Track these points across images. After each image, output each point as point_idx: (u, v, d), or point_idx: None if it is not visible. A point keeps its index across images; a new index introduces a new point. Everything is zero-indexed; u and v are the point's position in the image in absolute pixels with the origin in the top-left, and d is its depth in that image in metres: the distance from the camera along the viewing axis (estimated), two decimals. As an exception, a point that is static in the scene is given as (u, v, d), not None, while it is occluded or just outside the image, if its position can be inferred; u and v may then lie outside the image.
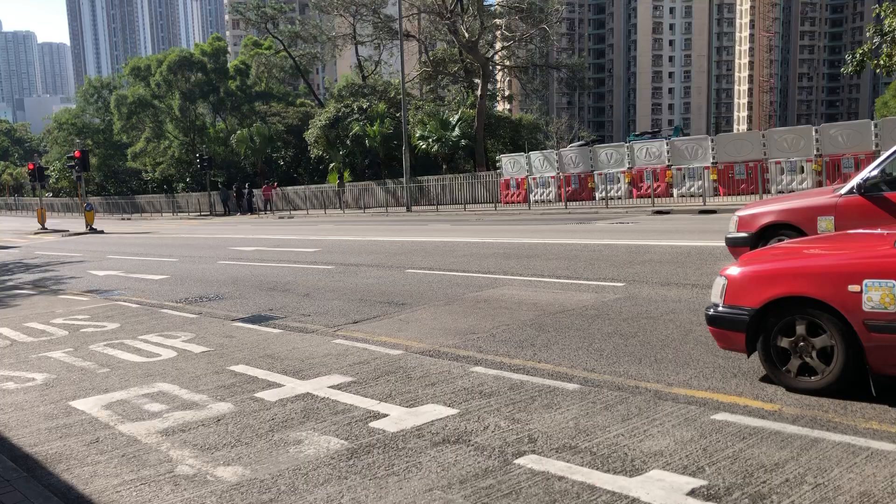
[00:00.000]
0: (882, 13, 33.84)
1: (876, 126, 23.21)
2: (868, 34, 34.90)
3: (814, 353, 4.88)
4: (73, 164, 38.96)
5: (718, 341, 5.46)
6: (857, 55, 34.20)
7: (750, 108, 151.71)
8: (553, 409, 4.99)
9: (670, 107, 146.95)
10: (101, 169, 70.87)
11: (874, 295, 4.54)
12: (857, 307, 4.60)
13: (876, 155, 22.44)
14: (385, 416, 5.12)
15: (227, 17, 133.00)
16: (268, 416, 5.34)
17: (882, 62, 33.57)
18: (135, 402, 5.95)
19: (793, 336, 4.95)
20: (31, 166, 44.70)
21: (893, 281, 4.50)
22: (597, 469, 3.96)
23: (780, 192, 23.53)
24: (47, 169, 56.44)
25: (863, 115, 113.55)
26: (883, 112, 73.21)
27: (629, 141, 34.56)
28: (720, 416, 4.60)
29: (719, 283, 5.40)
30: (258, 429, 5.07)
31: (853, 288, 4.62)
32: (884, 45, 33.38)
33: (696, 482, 3.72)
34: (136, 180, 70.76)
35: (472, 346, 6.97)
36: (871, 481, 3.59)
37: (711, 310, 5.41)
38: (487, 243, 16.27)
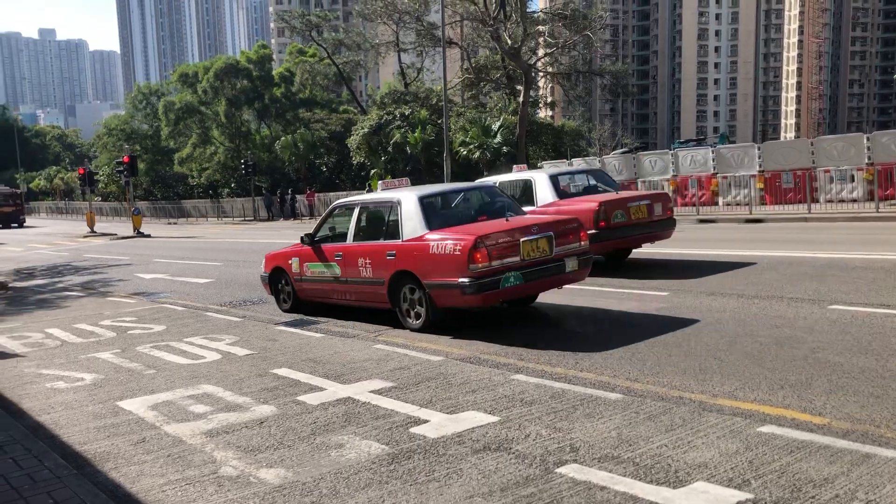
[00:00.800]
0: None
1: (930, 134, 22.55)
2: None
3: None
4: (121, 169, 39.81)
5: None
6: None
7: (798, 115, 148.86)
8: (595, 418, 4.95)
9: (715, 114, 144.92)
10: (149, 174, 72.32)
11: (293, 264, 10.17)
12: (290, 271, 10.22)
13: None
14: (426, 421, 5.12)
15: (272, 25, 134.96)
16: (310, 419, 5.39)
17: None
18: (180, 404, 6.05)
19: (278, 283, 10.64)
20: (81, 171, 45.86)
21: (296, 258, 10.08)
22: (640, 480, 3.91)
23: (829, 202, 23.04)
24: (97, 174, 57.71)
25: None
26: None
27: (674, 148, 34.16)
28: (767, 429, 4.51)
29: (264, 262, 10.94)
30: (300, 432, 5.12)
31: (291, 261, 10.21)
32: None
33: (741, 495, 3.65)
34: (182, 185, 72.05)
35: (512, 354, 6.94)
36: (926, 499, 3.49)
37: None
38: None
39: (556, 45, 43.66)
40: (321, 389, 6.16)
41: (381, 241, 8.74)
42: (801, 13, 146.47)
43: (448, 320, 8.27)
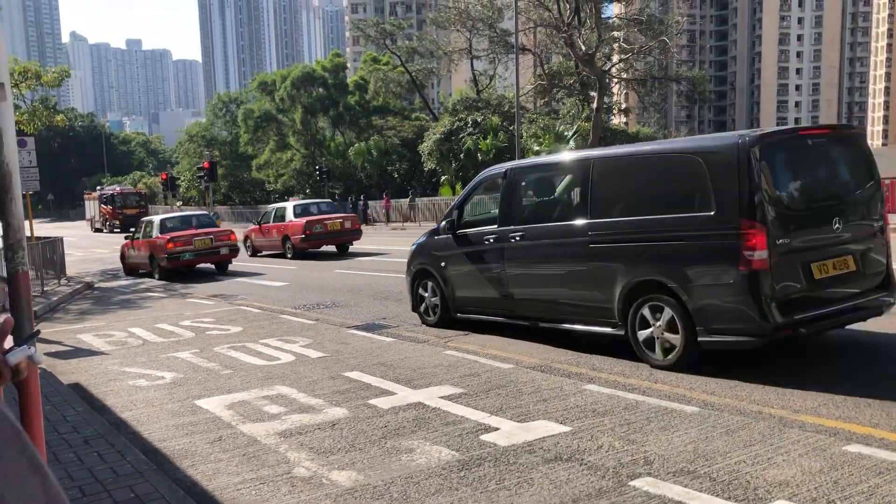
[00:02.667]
0: None
1: None
2: None
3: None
4: (202, 174, 41.06)
5: None
6: None
7: (886, 121, 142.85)
8: (670, 431, 4.83)
9: (796, 120, 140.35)
10: (228, 179, 74.35)
11: None
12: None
13: None
14: (496, 429, 5.09)
15: (347, 33, 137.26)
16: (381, 423, 5.43)
17: None
18: (255, 404, 6.18)
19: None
20: (164, 176, 47.54)
21: None
22: (717, 496, 3.80)
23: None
24: (178, 179, 59.76)
25: None
26: None
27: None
28: (853, 448, 4.32)
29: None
30: (371, 435, 5.16)
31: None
32: None
33: (826, 517, 3.50)
34: (259, 191, 73.82)
35: (584, 364, 6.85)
36: None
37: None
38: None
39: (631, 51, 43.06)
40: (392, 394, 6.20)
41: None
42: (891, 16, 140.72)
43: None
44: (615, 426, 5.00)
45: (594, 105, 41.15)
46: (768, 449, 4.40)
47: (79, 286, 17.20)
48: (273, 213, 23.20)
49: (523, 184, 8.64)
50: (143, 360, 8.50)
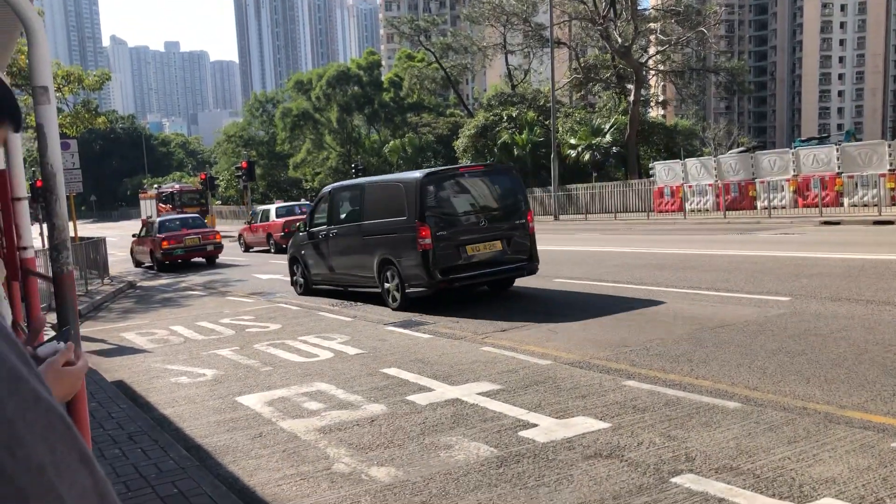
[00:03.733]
0: None
1: None
2: None
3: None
4: (240, 174, 41.56)
5: None
6: None
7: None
8: (712, 427, 4.76)
9: (839, 110, 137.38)
10: (265, 178, 75.17)
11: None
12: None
13: None
14: (534, 425, 5.07)
15: (381, 31, 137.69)
16: (419, 419, 5.44)
17: None
18: (295, 400, 6.23)
19: None
20: (202, 176, 48.17)
21: None
22: (761, 493, 3.73)
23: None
24: (217, 178, 60.54)
25: None
26: None
27: (795, 147, 32.61)
28: (902, 445, 4.21)
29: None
30: (410, 431, 5.17)
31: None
32: None
33: (875, 515, 3.42)
34: (296, 189, 74.49)
35: (623, 360, 6.78)
36: None
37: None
38: (639, 253, 15.83)
39: (668, 43, 42.52)
40: (429, 390, 6.21)
41: None
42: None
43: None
44: (655, 422, 4.95)
45: (631, 98, 40.76)
46: (814, 445, 4.31)
47: (121, 285, 17.54)
48: (260, 214, 27.41)
49: (338, 198, 12.93)
50: (185, 357, 8.63)
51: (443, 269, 10.30)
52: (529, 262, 11.12)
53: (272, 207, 27.20)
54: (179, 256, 22.62)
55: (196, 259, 23.19)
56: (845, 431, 4.50)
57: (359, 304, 11.89)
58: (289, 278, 14.15)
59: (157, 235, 22.55)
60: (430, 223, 10.24)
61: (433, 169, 11.03)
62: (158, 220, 24.34)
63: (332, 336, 9.10)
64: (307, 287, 13.46)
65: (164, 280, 19.63)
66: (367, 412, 5.72)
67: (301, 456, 4.86)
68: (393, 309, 10.79)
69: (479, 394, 5.97)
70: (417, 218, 10.26)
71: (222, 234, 25.75)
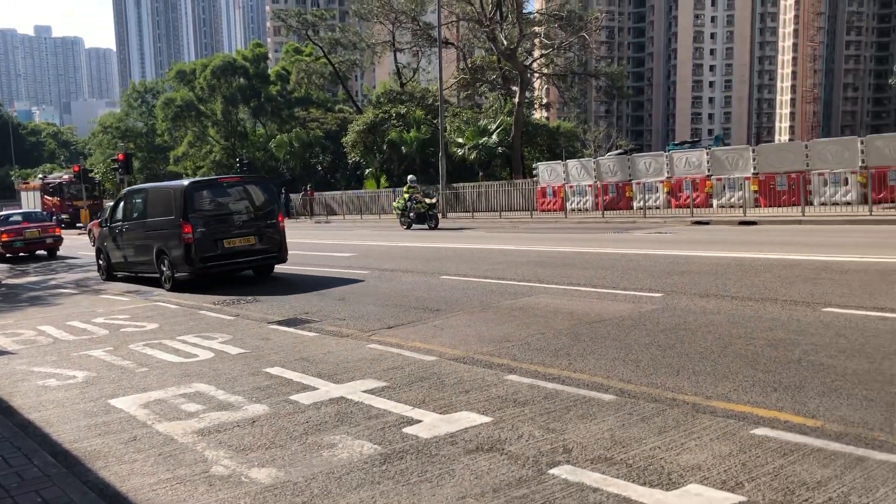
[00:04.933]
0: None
1: (924, 138, 22.66)
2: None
3: None
4: (116, 166, 39.67)
5: None
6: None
7: (792, 118, 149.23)
8: (588, 419, 4.94)
9: (710, 116, 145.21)
10: (144, 172, 72.13)
11: None
12: None
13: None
14: (418, 422, 5.10)
15: (268, 23, 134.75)
16: (302, 418, 5.37)
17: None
18: (172, 402, 6.02)
19: None
20: (76, 168, 45.70)
21: None
22: (633, 482, 3.90)
23: (822, 205, 23.11)
24: (91, 171, 57.44)
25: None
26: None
27: (668, 150, 34.21)
28: (760, 431, 4.50)
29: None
30: (292, 431, 5.09)
31: None
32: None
33: (735, 498, 3.64)
34: (177, 183, 71.85)
35: (506, 354, 6.93)
36: (919, 502, 3.48)
37: None
38: (523, 251, 16.20)
39: (551, 47, 43.68)
40: (314, 389, 6.14)
41: None
42: (796, 16, 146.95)
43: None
44: (535, 415, 5.08)
45: (516, 100, 41.59)
46: (682, 435, 4.54)
47: (-17, 283, 16.39)
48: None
49: (131, 199, 15.25)
50: (54, 358, 8.17)
51: (202, 258, 12.95)
52: (280, 253, 14.00)
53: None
54: (20, 249, 24.53)
55: (39, 252, 25.36)
56: (710, 420, 4.77)
57: (241, 302, 11.61)
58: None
59: None
60: (192, 222, 12.85)
61: (197, 179, 14.63)
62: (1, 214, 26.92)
63: (212, 335, 8.84)
64: (109, 273, 16.12)
65: (32, 277, 18.51)
66: (248, 413, 5.60)
67: (178, 459, 4.70)
68: (166, 290, 13.48)
69: (364, 391, 5.95)
70: (182, 217, 12.88)
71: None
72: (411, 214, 27.46)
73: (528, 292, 10.41)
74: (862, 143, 23.55)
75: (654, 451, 4.29)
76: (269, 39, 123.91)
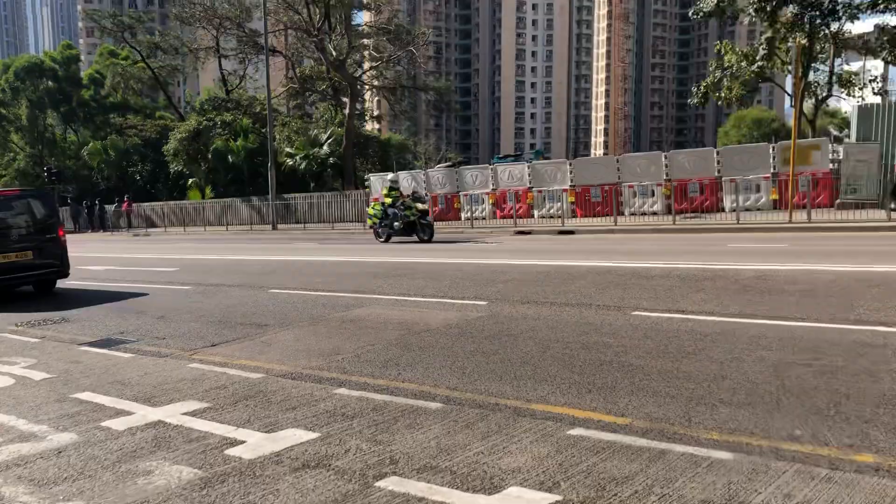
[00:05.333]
0: (722, 50, 36.62)
1: (718, 154, 24.98)
2: (711, 68, 37.67)
3: None
4: None
5: None
6: (702, 87, 36.85)
7: (607, 133, 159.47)
8: (415, 428, 4.99)
9: (532, 131, 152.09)
10: (-67, 181, 65.15)
11: None
12: None
13: (718, 180, 24.07)
14: (242, 442, 4.94)
15: (80, 24, 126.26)
16: (115, 445, 5.04)
17: (723, 94, 36.31)
18: (-37, 436, 5.45)
19: None
20: None
21: None
22: (456, 488, 3.98)
23: (633, 214, 24.81)
24: None
25: (708, 143, 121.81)
26: (724, 141, 79.11)
27: (493, 163, 35.44)
28: (576, 431, 4.74)
29: None
30: (104, 460, 4.77)
31: None
32: (724, 79, 36.10)
33: (552, 497, 3.80)
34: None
35: (336, 368, 6.87)
36: (712, 489, 3.81)
37: None
38: (355, 262, 16.17)
39: (380, 59, 44.07)
40: (129, 413, 5.79)
41: None
42: (609, 38, 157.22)
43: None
44: (363, 428, 5.07)
45: (347, 111, 41.54)
46: (504, 439, 4.69)
47: None
48: None
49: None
50: None
51: None
52: (61, 268, 13.85)
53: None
54: None
55: None
56: (530, 423, 4.97)
57: (49, 322, 10.74)
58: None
59: None
60: None
61: None
62: None
63: (13, 360, 8.10)
64: None
65: None
66: (53, 443, 5.18)
67: (-31, 500, 4.26)
68: None
69: (184, 414, 5.68)
70: None
71: None
72: (396, 224, 21.96)
73: (359, 304, 10.39)
74: (666, 157, 25.57)
75: (477, 457, 4.40)
76: (81, 41, 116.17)
